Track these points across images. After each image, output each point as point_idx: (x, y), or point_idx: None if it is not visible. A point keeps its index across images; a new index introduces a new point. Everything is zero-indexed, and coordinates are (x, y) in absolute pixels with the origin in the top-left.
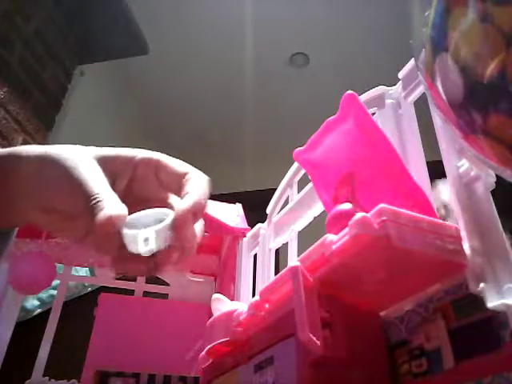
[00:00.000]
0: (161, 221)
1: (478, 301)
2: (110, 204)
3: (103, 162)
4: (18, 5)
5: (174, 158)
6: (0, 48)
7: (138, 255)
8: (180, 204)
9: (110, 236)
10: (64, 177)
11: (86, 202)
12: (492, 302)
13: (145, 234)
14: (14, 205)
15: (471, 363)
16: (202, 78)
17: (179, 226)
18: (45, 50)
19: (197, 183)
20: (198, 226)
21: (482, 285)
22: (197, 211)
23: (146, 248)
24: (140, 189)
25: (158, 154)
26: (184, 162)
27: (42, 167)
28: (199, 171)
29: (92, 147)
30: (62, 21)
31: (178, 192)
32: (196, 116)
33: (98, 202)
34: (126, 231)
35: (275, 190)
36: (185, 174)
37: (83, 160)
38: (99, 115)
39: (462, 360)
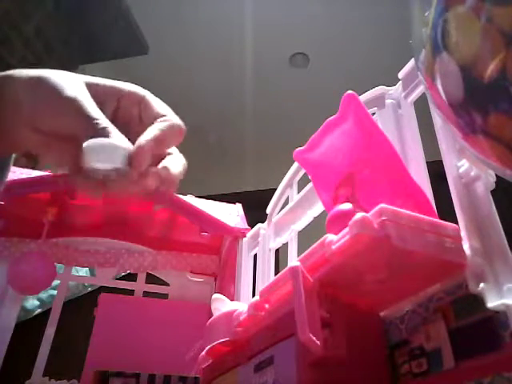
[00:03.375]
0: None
1: (478, 301)
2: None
3: (91, 88)
4: (18, 4)
5: (160, 100)
6: (0, 48)
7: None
8: (142, 137)
9: None
10: (54, 96)
11: (81, 122)
12: (492, 302)
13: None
14: (9, 127)
15: (471, 363)
16: (201, 77)
17: (135, 154)
18: (45, 49)
19: (166, 122)
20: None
21: (481, 285)
22: (156, 144)
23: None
24: (123, 120)
25: (145, 91)
26: (167, 106)
27: (32, 87)
28: (177, 117)
29: (81, 75)
30: (62, 21)
31: None
32: (196, 116)
33: (103, 127)
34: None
35: (275, 190)
36: (162, 115)
37: (72, 82)
38: None
39: (462, 360)
